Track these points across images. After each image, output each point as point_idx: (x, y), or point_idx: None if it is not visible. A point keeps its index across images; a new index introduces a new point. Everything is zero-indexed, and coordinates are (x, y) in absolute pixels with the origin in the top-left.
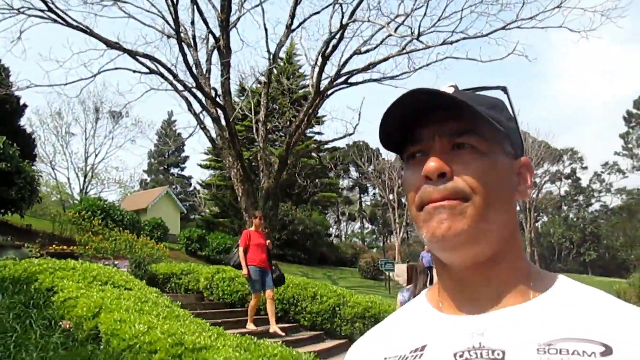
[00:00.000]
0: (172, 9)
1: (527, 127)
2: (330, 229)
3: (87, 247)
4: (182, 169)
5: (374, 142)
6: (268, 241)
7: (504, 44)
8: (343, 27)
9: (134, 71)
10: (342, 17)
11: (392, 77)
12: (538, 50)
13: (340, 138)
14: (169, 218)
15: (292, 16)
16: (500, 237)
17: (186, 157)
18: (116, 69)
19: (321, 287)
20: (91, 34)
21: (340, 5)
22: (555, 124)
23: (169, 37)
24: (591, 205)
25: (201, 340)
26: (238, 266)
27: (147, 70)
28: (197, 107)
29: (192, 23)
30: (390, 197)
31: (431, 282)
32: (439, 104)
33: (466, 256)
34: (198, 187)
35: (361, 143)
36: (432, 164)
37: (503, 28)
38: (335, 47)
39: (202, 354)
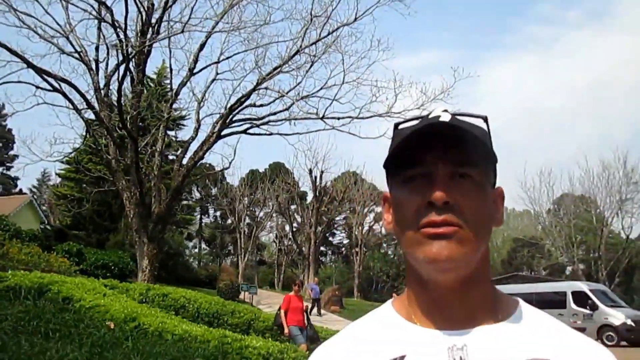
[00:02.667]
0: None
1: (359, 170)
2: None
3: None
4: (8, 169)
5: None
6: (306, 304)
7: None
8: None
9: (37, 87)
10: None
11: (281, 134)
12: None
13: (220, 171)
14: (31, 227)
15: (195, 60)
16: (478, 261)
17: (15, 156)
18: (19, 82)
19: (237, 305)
20: None
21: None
22: (382, 172)
23: (68, 54)
24: None
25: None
26: (280, 326)
27: (51, 89)
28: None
29: (97, 48)
30: (229, 221)
31: (318, 311)
32: (442, 132)
33: (456, 277)
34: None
35: (208, 165)
36: (438, 193)
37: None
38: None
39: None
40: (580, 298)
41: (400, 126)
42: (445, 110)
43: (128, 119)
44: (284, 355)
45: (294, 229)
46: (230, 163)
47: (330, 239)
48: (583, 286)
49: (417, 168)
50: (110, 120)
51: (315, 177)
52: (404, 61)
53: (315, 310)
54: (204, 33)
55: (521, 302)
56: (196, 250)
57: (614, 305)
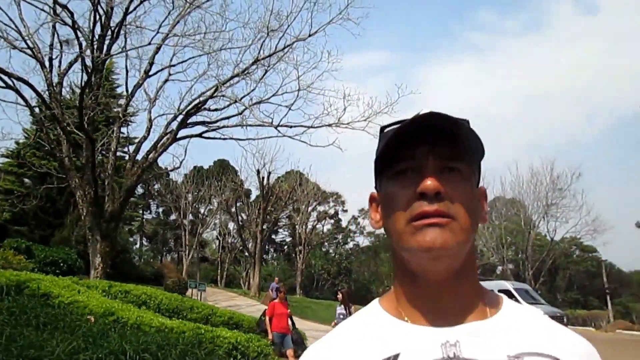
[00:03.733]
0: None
1: (304, 170)
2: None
3: None
4: None
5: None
6: (288, 311)
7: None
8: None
9: None
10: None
11: (235, 139)
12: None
13: (172, 170)
14: None
15: (151, 63)
16: (466, 254)
17: None
18: None
19: (194, 301)
20: None
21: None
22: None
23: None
24: (347, 244)
25: None
26: (264, 332)
27: (4, 86)
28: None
29: (51, 46)
30: (172, 217)
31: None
32: (432, 126)
33: (447, 268)
34: None
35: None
36: (430, 183)
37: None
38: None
39: None
40: (506, 296)
41: (387, 129)
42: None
43: (85, 119)
44: (250, 344)
45: (237, 226)
46: (181, 163)
47: (273, 236)
48: (508, 285)
49: (407, 162)
50: (63, 118)
51: (263, 178)
52: (352, 62)
53: None
54: (159, 35)
55: (505, 297)
56: (136, 246)
57: (534, 302)
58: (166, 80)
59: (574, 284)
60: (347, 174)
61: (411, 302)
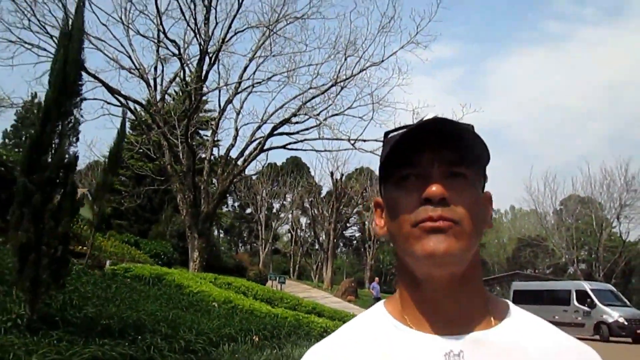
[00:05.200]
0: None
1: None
2: None
3: None
4: None
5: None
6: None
7: None
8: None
9: (106, 102)
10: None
11: (315, 150)
12: None
13: (255, 174)
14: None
15: (240, 82)
16: (470, 260)
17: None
18: (94, 99)
19: (283, 293)
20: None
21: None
22: None
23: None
24: None
25: None
26: None
27: (119, 104)
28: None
29: (155, 68)
30: (248, 211)
31: None
32: (437, 131)
33: (451, 274)
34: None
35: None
36: (436, 188)
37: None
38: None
39: None
40: (582, 296)
41: (391, 134)
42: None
43: (188, 135)
44: (336, 328)
45: (309, 221)
46: (263, 167)
47: (343, 232)
48: (585, 285)
49: (412, 167)
50: (168, 130)
51: (336, 180)
52: (419, 53)
53: None
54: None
55: (511, 304)
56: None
57: (619, 304)
58: (249, 93)
59: None
60: None
61: (415, 308)
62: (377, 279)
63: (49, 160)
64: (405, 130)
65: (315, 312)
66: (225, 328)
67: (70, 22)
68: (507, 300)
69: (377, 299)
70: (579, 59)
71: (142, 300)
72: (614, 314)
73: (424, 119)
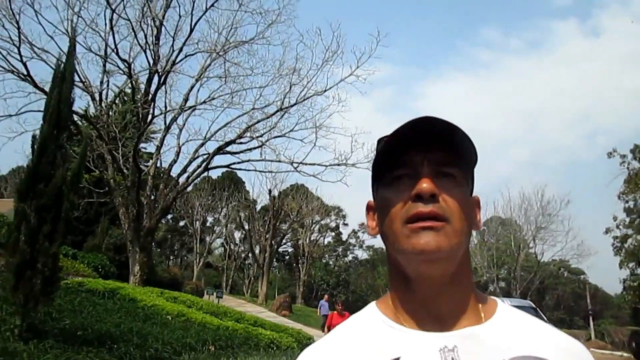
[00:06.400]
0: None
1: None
2: None
3: None
4: None
5: None
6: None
7: None
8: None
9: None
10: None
11: (257, 170)
12: None
13: (191, 184)
14: None
15: (186, 100)
16: (460, 258)
17: None
18: (39, 111)
19: (227, 307)
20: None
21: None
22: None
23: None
24: (347, 257)
25: None
26: None
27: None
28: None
29: (101, 82)
30: (181, 224)
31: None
32: (427, 131)
33: (442, 271)
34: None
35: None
36: (426, 185)
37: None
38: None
39: None
40: None
41: (383, 139)
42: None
43: (137, 151)
44: (282, 340)
45: (243, 236)
46: (199, 177)
47: (278, 248)
48: (507, 302)
49: (403, 168)
50: (114, 145)
51: (274, 197)
52: (349, 62)
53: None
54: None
55: (499, 301)
56: None
57: None
58: (193, 110)
59: (561, 304)
60: (349, 189)
61: (407, 306)
62: (326, 296)
63: (44, 188)
64: (395, 130)
65: (258, 325)
66: (185, 338)
67: (62, 65)
68: (495, 298)
69: (325, 317)
70: (503, 87)
71: (104, 313)
72: None
73: (415, 118)
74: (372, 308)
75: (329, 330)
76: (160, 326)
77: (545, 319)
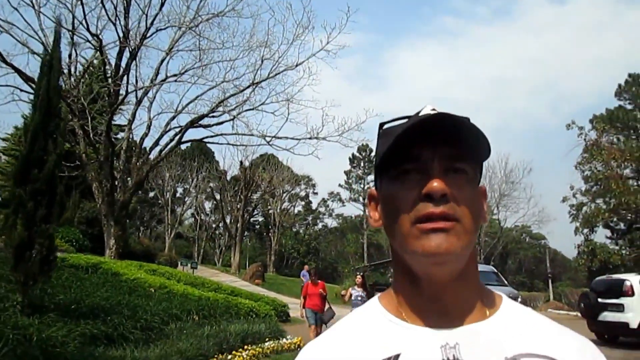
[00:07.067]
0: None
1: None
2: None
3: None
4: None
5: None
6: (320, 291)
7: None
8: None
9: (17, 88)
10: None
11: (230, 144)
12: None
13: (163, 158)
14: None
15: (157, 73)
16: (468, 256)
17: None
18: (7, 85)
19: (203, 278)
20: None
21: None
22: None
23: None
24: (317, 225)
25: None
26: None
27: (32, 91)
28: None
29: (70, 55)
30: (151, 195)
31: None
32: (438, 126)
33: (451, 271)
34: None
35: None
36: (437, 184)
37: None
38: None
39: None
40: None
41: (386, 125)
42: (434, 109)
43: (110, 127)
44: (260, 308)
45: (214, 206)
46: (170, 152)
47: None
48: None
49: (412, 163)
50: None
51: (246, 169)
52: (319, 37)
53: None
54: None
55: (504, 297)
56: None
57: (500, 284)
58: (163, 83)
59: (522, 267)
60: (319, 159)
61: (411, 302)
62: (306, 267)
63: (39, 173)
64: (406, 123)
65: (234, 295)
66: (170, 309)
67: (49, 53)
68: (501, 293)
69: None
70: (470, 54)
71: (91, 287)
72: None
73: (425, 114)
74: (374, 303)
75: (304, 300)
76: (145, 298)
77: (507, 282)
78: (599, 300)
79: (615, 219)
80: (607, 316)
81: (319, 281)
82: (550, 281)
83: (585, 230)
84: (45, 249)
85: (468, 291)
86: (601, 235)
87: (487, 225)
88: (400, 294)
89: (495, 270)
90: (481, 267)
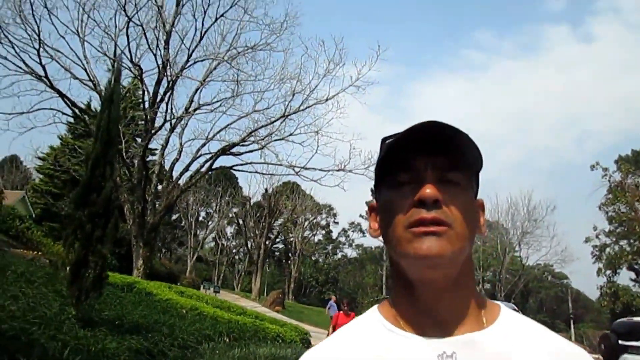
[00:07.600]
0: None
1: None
2: None
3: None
4: None
5: None
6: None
7: None
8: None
9: (61, 112)
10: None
11: (259, 172)
12: None
13: (193, 184)
14: None
15: (191, 102)
16: (462, 263)
17: None
18: (51, 109)
19: (230, 302)
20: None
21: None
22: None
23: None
24: (336, 255)
25: None
26: None
27: (72, 115)
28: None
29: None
30: (173, 217)
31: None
32: (432, 135)
33: (444, 276)
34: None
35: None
36: (429, 191)
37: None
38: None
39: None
40: None
41: (388, 140)
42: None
43: (145, 152)
44: (287, 334)
45: (235, 231)
46: (200, 178)
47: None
48: None
49: (407, 173)
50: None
51: (270, 196)
52: (349, 72)
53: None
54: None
55: (502, 306)
56: None
57: None
58: (196, 110)
59: (543, 307)
60: (340, 189)
61: (409, 310)
62: (333, 297)
63: (97, 198)
64: (400, 133)
65: (260, 319)
66: (203, 330)
67: (111, 87)
68: (500, 303)
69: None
70: (494, 89)
71: (129, 305)
72: None
73: (420, 122)
74: (373, 312)
75: (334, 330)
76: (178, 318)
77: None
78: (620, 342)
79: (639, 262)
80: (628, 358)
81: (351, 312)
82: (572, 322)
83: (608, 272)
84: (99, 267)
85: (464, 300)
86: (625, 277)
87: (508, 262)
88: (398, 302)
89: (516, 308)
90: (501, 305)
